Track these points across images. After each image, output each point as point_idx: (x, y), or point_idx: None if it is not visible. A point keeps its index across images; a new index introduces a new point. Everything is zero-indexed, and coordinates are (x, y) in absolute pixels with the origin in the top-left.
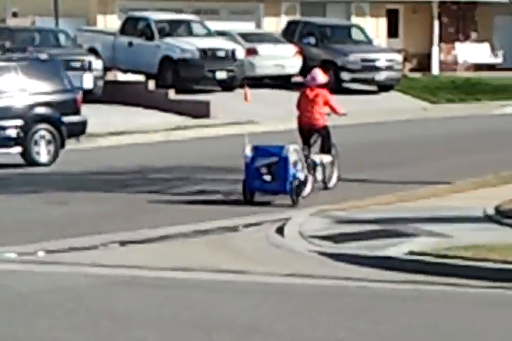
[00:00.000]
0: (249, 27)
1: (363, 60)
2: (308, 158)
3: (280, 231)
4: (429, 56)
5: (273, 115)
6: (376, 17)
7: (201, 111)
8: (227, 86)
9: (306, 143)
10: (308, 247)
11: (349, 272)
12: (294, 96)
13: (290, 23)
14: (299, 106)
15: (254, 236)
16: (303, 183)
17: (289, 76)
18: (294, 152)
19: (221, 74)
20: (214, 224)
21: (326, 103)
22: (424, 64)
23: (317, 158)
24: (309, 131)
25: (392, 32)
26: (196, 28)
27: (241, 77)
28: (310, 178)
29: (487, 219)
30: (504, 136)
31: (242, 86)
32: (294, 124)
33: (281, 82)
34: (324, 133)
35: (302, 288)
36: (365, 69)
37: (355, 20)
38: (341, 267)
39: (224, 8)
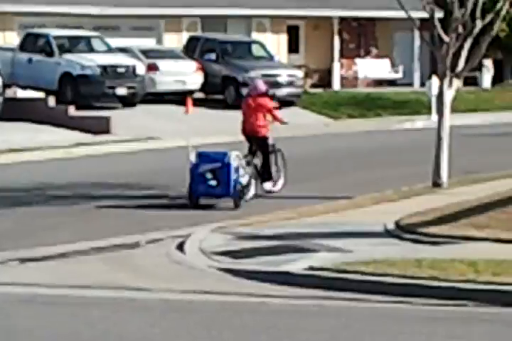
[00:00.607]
0: (150, 43)
1: (264, 76)
2: (251, 164)
3: (181, 247)
4: (330, 72)
5: (174, 131)
6: (277, 33)
7: (102, 128)
8: (128, 102)
9: (250, 149)
10: (208, 263)
11: (249, 288)
12: (195, 111)
13: (191, 39)
14: (244, 114)
15: (155, 252)
16: (245, 187)
17: (190, 92)
18: (236, 158)
19: (121, 91)
20: (115, 240)
21: (269, 111)
22: (325, 80)
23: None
24: (251, 139)
25: (293, 48)
26: (96, 44)
27: (142, 93)
28: (253, 182)
29: (387, 234)
30: (404, 151)
31: (144, 101)
32: (196, 139)
33: (182, 97)
34: (262, 143)
35: (202, 305)
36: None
37: (256, 36)
38: (241, 283)
39: (125, 25)
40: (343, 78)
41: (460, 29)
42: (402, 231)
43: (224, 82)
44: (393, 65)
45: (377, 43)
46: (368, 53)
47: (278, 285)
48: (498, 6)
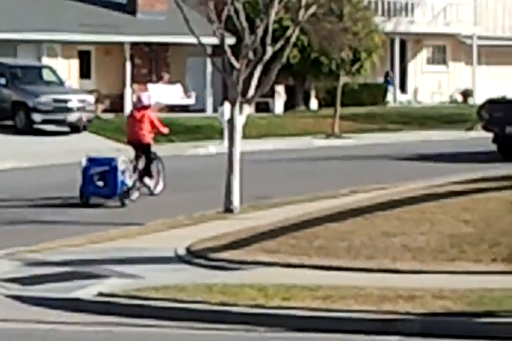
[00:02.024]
0: None
1: (55, 101)
2: (136, 168)
3: None
4: (122, 97)
5: None
6: (68, 58)
7: None
8: None
9: (136, 156)
10: None
11: (39, 315)
12: None
13: None
14: (127, 125)
15: None
16: (131, 188)
17: None
18: (122, 162)
19: None
20: None
21: (151, 122)
22: (117, 105)
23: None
24: (137, 146)
25: (85, 73)
26: None
27: None
28: (138, 185)
29: (178, 259)
30: (196, 177)
31: None
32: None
33: None
34: (146, 149)
35: None
36: (57, 110)
37: (46, 61)
38: (30, 310)
39: None
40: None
41: (251, 55)
42: (194, 256)
43: (14, 107)
44: (186, 91)
45: (170, 69)
46: (160, 79)
47: (68, 312)
48: (288, 32)
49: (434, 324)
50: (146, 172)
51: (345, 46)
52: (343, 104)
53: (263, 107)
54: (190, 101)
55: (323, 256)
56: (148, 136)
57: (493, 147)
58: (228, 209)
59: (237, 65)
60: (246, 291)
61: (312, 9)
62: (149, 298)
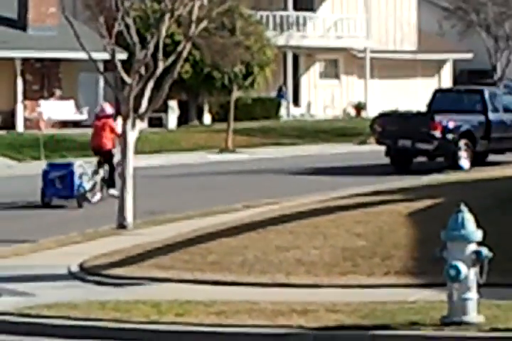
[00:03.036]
0: None
1: None
2: (98, 173)
3: None
4: (13, 113)
5: None
6: None
7: None
8: None
9: (98, 162)
10: None
11: None
12: None
13: None
14: (92, 133)
15: None
16: (89, 191)
17: None
18: (79, 167)
19: None
20: None
21: (112, 130)
22: (8, 121)
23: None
24: (98, 152)
25: None
26: None
27: None
28: (98, 188)
29: (71, 276)
30: None
31: None
32: None
33: None
34: (107, 155)
35: None
36: None
37: None
38: None
39: None
40: (26, 120)
41: (142, 70)
42: (87, 273)
43: None
44: (78, 107)
45: (62, 84)
46: (52, 95)
47: None
48: (180, 47)
49: (327, 338)
50: (110, 181)
51: (237, 60)
52: (236, 119)
53: (156, 122)
54: (83, 116)
55: (217, 271)
56: (108, 143)
57: (386, 160)
58: (122, 225)
59: (128, 80)
60: (139, 307)
61: (203, 24)
62: (41, 316)
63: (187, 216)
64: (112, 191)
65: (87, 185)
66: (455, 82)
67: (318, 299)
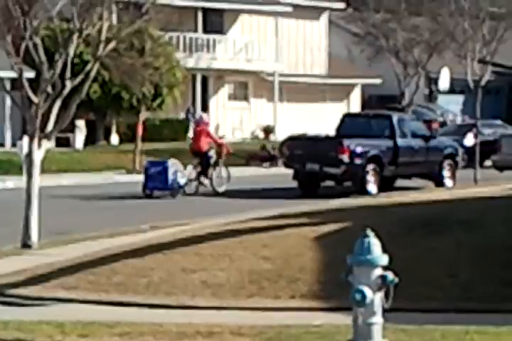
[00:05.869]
0: None
1: None
2: (196, 168)
3: None
4: None
5: None
6: None
7: None
8: None
9: (197, 162)
10: None
11: None
12: None
13: None
14: (192, 137)
15: None
16: (183, 186)
17: None
18: (173, 165)
19: None
20: None
21: (208, 135)
22: None
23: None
24: (197, 154)
25: None
26: None
27: None
28: (194, 183)
29: None
30: None
31: None
32: None
33: None
34: (203, 156)
35: None
36: None
37: None
38: None
39: None
40: None
41: (49, 90)
42: None
43: None
44: None
45: None
46: None
47: None
48: (88, 67)
49: None
50: (204, 174)
51: (146, 81)
52: (144, 140)
53: (63, 142)
54: None
55: (123, 292)
56: (205, 146)
57: (294, 184)
58: (26, 245)
59: (35, 99)
60: (43, 328)
61: (112, 44)
62: None
63: (92, 236)
64: (203, 179)
65: (182, 181)
66: (364, 106)
67: (224, 321)
